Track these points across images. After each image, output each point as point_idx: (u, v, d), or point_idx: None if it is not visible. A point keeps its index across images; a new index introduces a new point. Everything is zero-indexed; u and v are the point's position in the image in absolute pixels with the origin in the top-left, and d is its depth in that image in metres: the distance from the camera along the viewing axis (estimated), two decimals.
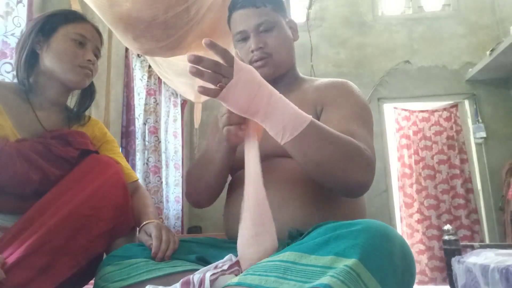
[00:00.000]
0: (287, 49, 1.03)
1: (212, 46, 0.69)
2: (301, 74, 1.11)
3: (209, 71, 0.70)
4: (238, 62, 0.71)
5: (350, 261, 0.56)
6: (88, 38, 1.05)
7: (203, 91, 0.71)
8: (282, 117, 0.73)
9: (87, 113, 1.17)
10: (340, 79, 1.04)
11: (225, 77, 0.71)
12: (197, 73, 0.69)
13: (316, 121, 0.78)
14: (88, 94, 1.14)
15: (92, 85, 1.13)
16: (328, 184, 0.84)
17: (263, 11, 1.00)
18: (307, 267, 0.59)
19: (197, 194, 1.04)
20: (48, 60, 1.01)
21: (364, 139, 0.86)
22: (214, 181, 0.99)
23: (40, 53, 1.02)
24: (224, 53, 0.71)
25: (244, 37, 1.01)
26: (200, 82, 0.75)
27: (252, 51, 0.99)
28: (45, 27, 1.02)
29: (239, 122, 0.80)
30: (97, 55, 1.09)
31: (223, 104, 0.76)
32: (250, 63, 1.00)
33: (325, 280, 0.54)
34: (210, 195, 1.02)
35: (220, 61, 0.72)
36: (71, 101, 1.15)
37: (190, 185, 1.06)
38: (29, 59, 1.01)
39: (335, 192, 0.88)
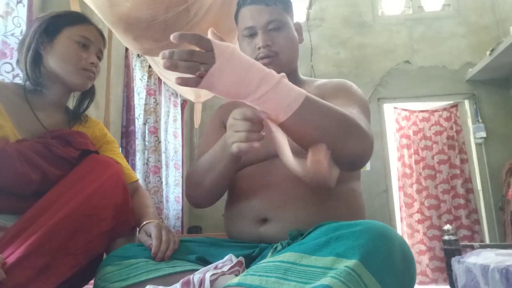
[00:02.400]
0: (293, 50, 1.03)
1: (181, 37, 0.63)
2: (301, 76, 1.11)
3: (184, 61, 0.64)
4: (218, 44, 0.65)
5: (350, 262, 0.56)
6: (92, 41, 1.06)
7: (181, 81, 0.65)
8: (275, 98, 0.69)
9: (86, 113, 1.17)
10: (339, 79, 1.05)
11: (203, 63, 0.64)
12: (171, 66, 0.63)
13: (311, 96, 0.74)
14: (88, 95, 1.14)
15: (92, 86, 1.13)
16: (337, 155, 0.81)
17: (274, 10, 0.99)
18: (308, 267, 0.59)
19: (197, 197, 1.00)
20: (52, 62, 1.01)
21: (362, 120, 0.85)
22: (215, 187, 0.95)
23: (44, 54, 1.02)
24: (197, 39, 0.64)
25: (251, 33, 1.00)
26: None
27: (259, 48, 0.98)
28: (49, 28, 1.02)
29: (257, 138, 0.73)
30: (99, 57, 1.10)
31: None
32: (256, 59, 0.99)
33: (325, 281, 0.54)
34: (211, 199, 0.99)
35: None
36: (73, 101, 1.15)
37: (190, 187, 1.02)
38: (34, 59, 1.01)
39: (336, 191, 0.88)
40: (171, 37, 0.63)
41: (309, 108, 0.72)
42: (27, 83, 1.02)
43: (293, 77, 1.06)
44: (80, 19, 1.07)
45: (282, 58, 0.99)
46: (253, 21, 0.99)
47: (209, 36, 0.73)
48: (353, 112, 0.86)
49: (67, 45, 1.02)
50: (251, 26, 1.00)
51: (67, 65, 1.01)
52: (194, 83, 0.65)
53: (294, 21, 1.08)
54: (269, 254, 0.77)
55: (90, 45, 1.05)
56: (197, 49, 0.66)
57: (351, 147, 0.78)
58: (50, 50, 1.01)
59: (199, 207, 1.04)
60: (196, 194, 1.00)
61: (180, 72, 0.64)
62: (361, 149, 0.79)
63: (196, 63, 0.64)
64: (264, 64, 0.95)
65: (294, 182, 0.88)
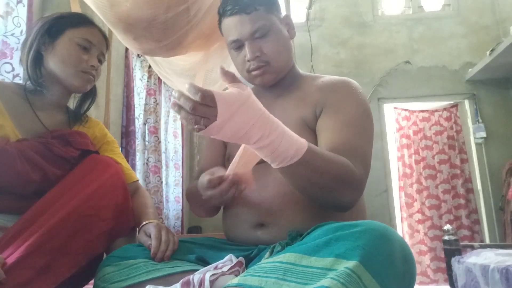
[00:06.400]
0: (285, 52, 0.98)
1: (190, 88, 0.61)
2: (301, 71, 1.07)
3: (185, 112, 0.62)
4: (222, 102, 0.62)
5: (351, 263, 0.56)
6: (94, 43, 1.05)
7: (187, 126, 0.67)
8: (270, 152, 0.69)
9: (87, 113, 1.17)
10: (342, 78, 1.00)
11: (204, 117, 0.62)
12: (177, 110, 0.63)
13: (311, 148, 0.74)
14: (89, 96, 1.14)
15: (94, 88, 1.13)
16: (318, 202, 0.85)
17: (255, 16, 0.93)
18: (308, 268, 0.59)
19: (198, 214, 1.07)
20: (52, 63, 1.01)
21: (359, 150, 0.86)
22: (212, 211, 1.04)
23: (45, 54, 1.02)
24: (202, 95, 0.61)
25: (238, 46, 0.96)
26: (199, 83, 0.72)
27: (249, 60, 0.95)
28: (52, 29, 1.02)
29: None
30: (101, 60, 1.09)
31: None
32: (248, 72, 0.98)
33: (325, 282, 0.54)
34: (212, 214, 1.06)
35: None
36: (74, 102, 1.15)
37: (191, 206, 1.08)
38: (35, 59, 1.01)
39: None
40: (186, 85, 0.62)
41: (302, 166, 0.73)
42: (28, 83, 1.02)
43: (291, 74, 1.04)
44: (83, 21, 1.06)
45: (274, 65, 0.97)
46: (237, 34, 0.94)
47: (220, 74, 0.68)
48: (352, 143, 0.86)
49: (68, 47, 1.01)
50: (236, 39, 0.95)
51: (66, 66, 1.01)
52: (194, 130, 0.65)
53: (284, 15, 1.02)
54: (267, 254, 0.77)
55: (91, 48, 1.05)
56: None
57: (342, 199, 0.81)
58: (51, 51, 1.01)
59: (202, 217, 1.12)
60: (197, 212, 1.07)
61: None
62: (350, 199, 0.82)
63: (197, 116, 0.62)
64: (257, 75, 0.97)
65: (291, 186, 0.87)
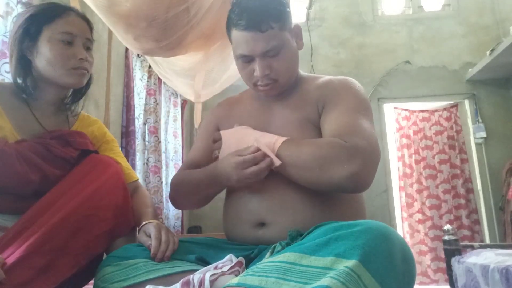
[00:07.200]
0: (293, 67, 0.99)
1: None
2: (301, 73, 1.08)
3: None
4: (224, 134, 0.99)
5: (350, 262, 0.56)
6: (75, 34, 0.99)
7: None
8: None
9: (86, 112, 1.17)
10: (341, 77, 1.02)
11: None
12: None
13: (287, 141, 0.87)
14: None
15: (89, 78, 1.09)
16: (321, 189, 0.85)
17: (270, 35, 0.91)
18: (307, 268, 0.59)
19: (183, 205, 1.09)
20: (41, 66, 0.98)
21: (356, 126, 0.86)
22: (202, 202, 1.04)
23: (31, 59, 0.99)
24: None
25: (248, 60, 0.96)
26: (199, 83, 0.77)
27: (257, 75, 0.95)
28: (29, 30, 0.97)
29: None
30: (89, 47, 1.04)
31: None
32: (254, 85, 0.99)
33: (325, 281, 0.54)
34: (197, 207, 1.08)
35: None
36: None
37: (176, 196, 1.06)
38: (22, 65, 0.98)
39: (336, 193, 0.89)
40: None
41: (281, 157, 0.86)
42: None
43: (293, 80, 1.05)
44: (57, 12, 1.00)
45: (281, 82, 0.98)
46: (248, 50, 0.92)
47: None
48: (352, 123, 0.87)
49: (51, 47, 0.97)
50: (246, 55, 0.94)
51: (55, 68, 0.98)
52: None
53: (294, 25, 1.00)
54: (268, 254, 0.77)
55: (75, 40, 1.00)
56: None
57: (335, 173, 0.80)
58: (37, 55, 0.98)
59: (180, 209, 1.12)
60: (181, 202, 1.08)
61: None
62: (346, 171, 0.79)
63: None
64: (264, 90, 0.99)
65: (291, 185, 0.88)
